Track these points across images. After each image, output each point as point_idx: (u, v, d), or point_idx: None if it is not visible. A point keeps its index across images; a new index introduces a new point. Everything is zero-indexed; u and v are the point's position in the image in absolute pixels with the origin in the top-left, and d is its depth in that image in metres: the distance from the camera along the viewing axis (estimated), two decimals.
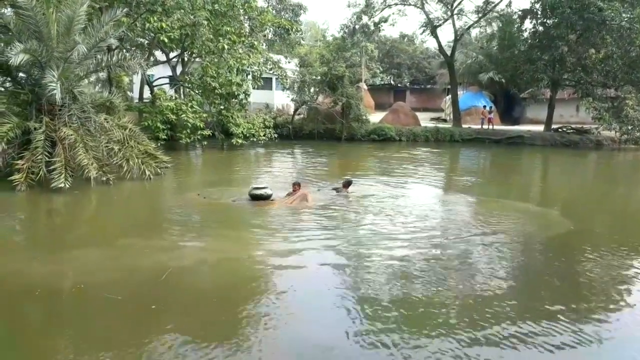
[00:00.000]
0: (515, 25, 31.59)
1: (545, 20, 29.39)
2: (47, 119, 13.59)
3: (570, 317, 6.05)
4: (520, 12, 30.86)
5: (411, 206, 12.14)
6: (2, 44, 13.77)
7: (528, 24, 30.92)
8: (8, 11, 14.31)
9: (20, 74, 14.89)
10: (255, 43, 24.72)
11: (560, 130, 31.10)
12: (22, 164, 12.65)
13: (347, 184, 12.99)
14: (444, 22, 33.18)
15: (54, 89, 12.72)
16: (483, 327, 5.76)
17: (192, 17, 20.14)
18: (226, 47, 21.34)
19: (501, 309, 6.26)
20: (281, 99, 34.97)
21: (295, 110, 30.36)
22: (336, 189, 13.02)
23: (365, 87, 38.80)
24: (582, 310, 6.38)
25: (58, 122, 13.61)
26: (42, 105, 13.79)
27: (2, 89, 15.96)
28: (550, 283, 7.45)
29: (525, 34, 31.39)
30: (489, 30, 37.22)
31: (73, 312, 6.34)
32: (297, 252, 8.41)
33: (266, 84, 32.18)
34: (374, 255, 8.32)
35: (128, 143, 14.61)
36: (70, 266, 7.70)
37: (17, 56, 12.41)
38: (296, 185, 12.33)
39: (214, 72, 21.51)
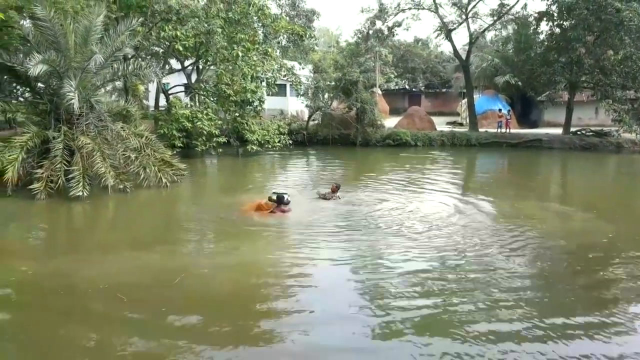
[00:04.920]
0: (531, 28, 31.27)
1: (561, 22, 29.06)
2: (65, 128, 13.78)
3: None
4: (536, 14, 30.52)
5: (435, 211, 12.00)
6: (21, 55, 13.99)
7: (544, 26, 30.63)
8: (27, 23, 14.56)
9: (39, 84, 15.13)
10: (269, 50, 24.83)
11: (579, 133, 30.64)
12: (42, 173, 12.82)
13: (337, 188, 12.95)
14: (458, 26, 32.98)
15: (72, 99, 12.89)
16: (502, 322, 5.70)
17: (206, 25, 20.30)
18: (240, 54, 21.47)
19: (521, 307, 6.16)
20: (295, 105, 35.07)
21: (310, 116, 30.39)
22: (324, 194, 12.94)
23: (379, 92, 38.70)
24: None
25: (76, 131, 13.79)
26: (60, 114, 14.00)
27: (22, 99, 16.25)
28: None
29: (542, 36, 31.07)
30: (504, 33, 36.94)
31: (86, 311, 6.47)
32: (313, 257, 8.38)
33: (280, 90, 32.29)
34: (392, 257, 8.27)
35: (144, 151, 14.74)
36: (89, 269, 7.78)
37: (36, 67, 12.61)
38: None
39: (229, 79, 21.64)
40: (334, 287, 7.17)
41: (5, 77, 15.34)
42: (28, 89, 15.77)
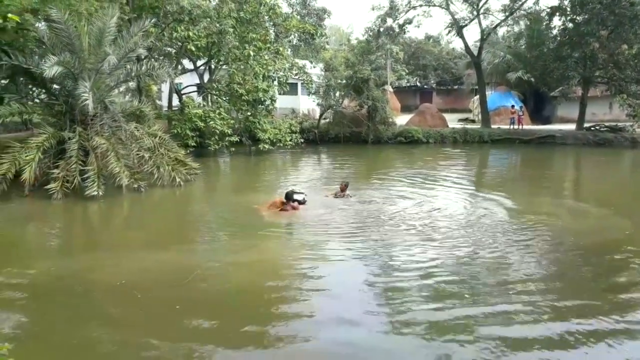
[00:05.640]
0: (544, 23, 30.99)
1: (574, 16, 28.75)
2: (80, 128, 13.95)
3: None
4: (548, 10, 30.23)
5: (447, 209, 11.98)
6: (37, 57, 14.18)
7: (557, 21, 30.34)
8: (42, 25, 14.75)
9: (55, 86, 15.33)
10: (281, 49, 24.88)
11: (593, 128, 30.31)
12: (58, 173, 13.01)
13: (345, 186, 12.92)
14: (469, 22, 32.79)
15: (87, 100, 13.05)
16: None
17: (218, 25, 20.41)
18: (252, 53, 21.56)
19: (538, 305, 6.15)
20: (307, 104, 35.09)
21: (321, 114, 30.40)
22: (334, 194, 12.93)
23: (390, 89, 38.59)
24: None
25: (91, 132, 13.96)
26: (75, 115, 14.17)
27: (38, 101, 16.48)
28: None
29: (554, 32, 30.76)
30: (516, 29, 36.56)
31: (102, 309, 6.58)
32: (325, 256, 8.43)
33: (292, 89, 32.35)
34: (404, 255, 8.29)
35: (158, 150, 14.88)
36: (105, 267, 7.91)
37: (51, 68, 12.80)
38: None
39: (241, 78, 21.74)
40: (347, 287, 7.14)
41: (22, 79, 15.56)
42: (44, 91, 15.99)
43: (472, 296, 6.69)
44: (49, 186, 12.77)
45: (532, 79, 36.08)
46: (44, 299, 6.91)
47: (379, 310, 6.26)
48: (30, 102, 16.02)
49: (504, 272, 7.61)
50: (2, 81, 15.45)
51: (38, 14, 14.05)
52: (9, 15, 3.61)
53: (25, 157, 12.88)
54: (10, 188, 12.70)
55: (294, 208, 11.30)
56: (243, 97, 21.78)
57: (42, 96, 16.47)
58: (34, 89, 16.55)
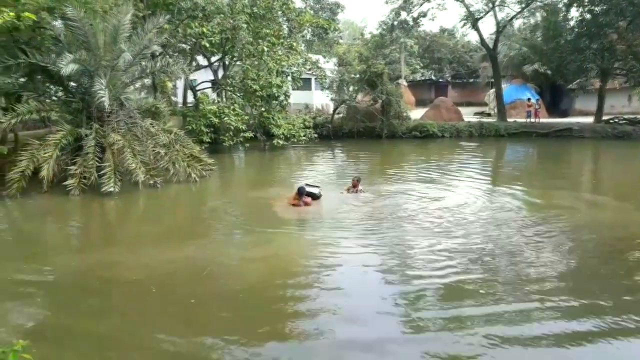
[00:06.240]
0: (561, 14, 30.50)
1: (592, 7, 28.21)
2: (96, 125, 14.11)
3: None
4: (566, 1, 29.73)
5: (463, 203, 11.87)
6: (53, 55, 14.35)
7: (574, 12, 29.84)
8: (58, 23, 14.91)
9: (71, 83, 15.50)
10: (294, 44, 24.87)
11: (611, 121, 29.82)
12: (75, 170, 13.18)
13: (357, 181, 12.82)
14: (485, 14, 32.37)
15: (103, 97, 13.18)
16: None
17: (231, 21, 20.44)
18: (266, 49, 21.57)
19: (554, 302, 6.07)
20: (320, 99, 35.05)
21: (335, 109, 30.33)
22: (347, 189, 12.87)
23: (405, 83, 38.37)
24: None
25: (107, 128, 14.11)
26: (92, 112, 14.34)
27: (55, 98, 16.67)
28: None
29: (572, 23, 30.27)
30: (532, 21, 36.05)
31: (119, 304, 6.68)
32: (340, 251, 8.41)
33: (305, 84, 32.31)
34: (420, 250, 8.25)
35: (173, 147, 14.98)
36: (122, 263, 8.01)
37: (67, 66, 12.96)
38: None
39: (255, 74, 21.78)
40: (360, 286, 7.08)
41: (39, 77, 15.77)
42: (61, 88, 16.19)
43: (489, 295, 6.54)
44: (66, 182, 12.95)
45: (549, 72, 35.58)
46: (62, 293, 7.04)
47: (393, 311, 6.17)
48: (47, 100, 16.21)
49: (521, 269, 7.48)
50: (20, 79, 15.66)
51: (54, 12, 14.20)
52: (25, 13, 3.62)
53: (44, 154, 13.07)
54: (29, 185, 12.90)
55: (306, 203, 11.31)
56: (257, 93, 21.83)
57: (60, 94, 16.67)
58: (51, 86, 16.75)
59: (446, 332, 5.57)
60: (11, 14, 3.11)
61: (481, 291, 6.64)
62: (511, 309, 6.11)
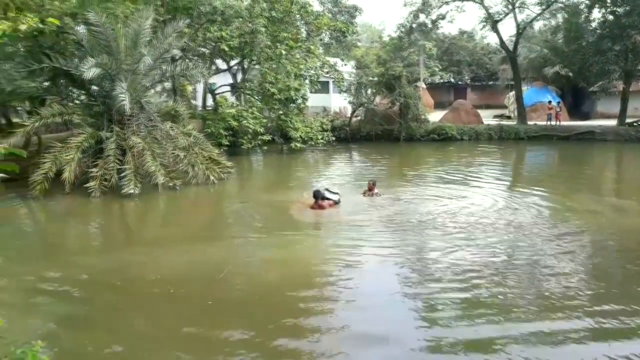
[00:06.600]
0: (583, 16, 29.99)
1: (615, 8, 27.73)
2: (117, 128, 14.31)
3: None
4: (587, 2, 29.26)
5: (483, 207, 11.77)
6: (76, 60, 14.63)
7: (596, 14, 29.30)
8: (81, 28, 15.19)
9: (93, 87, 15.76)
10: (312, 47, 24.92)
11: (635, 124, 29.19)
12: (96, 172, 13.38)
13: (373, 184, 12.73)
14: (505, 16, 32.01)
15: (124, 100, 13.37)
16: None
17: (250, 24, 20.59)
18: (284, 52, 21.67)
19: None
20: (338, 102, 35.02)
21: (353, 112, 30.28)
22: (363, 192, 12.80)
23: (423, 86, 38.10)
24: None
25: (127, 131, 14.31)
26: (112, 115, 14.55)
27: (78, 102, 16.99)
28: None
29: (594, 24, 29.74)
30: (553, 22, 35.54)
31: (138, 304, 6.81)
32: (357, 258, 8.32)
33: (323, 87, 32.30)
34: (437, 255, 8.18)
35: (193, 149, 15.12)
36: (142, 263, 8.13)
37: (89, 70, 13.20)
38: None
39: (273, 78, 21.89)
40: (377, 296, 6.86)
41: (62, 80, 16.10)
42: (83, 92, 16.49)
43: (510, 307, 6.30)
44: (87, 184, 13.16)
45: (570, 74, 35.01)
46: (84, 291, 7.17)
47: (411, 323, 5.98)
48: (70, 103, 16.53)
49: (544, 278, 7.26)
50: (44, 83, 15.99)
51: (77, 18, 14.47)
52: (49, 19, 3.70)
53: (66, 156, 13.30)
54: (52, 186, 13.13)
55: (321, 207, 11.31)
56: (275, 96, 21.92)
57: (82, 97, 16.98)
58: (74, 90, 17.09)
59: (465, 352, 5.33)
60: (35, 19, 3.17)
61: (503, 303, 6.44)
62: (534, 325, 5.84)
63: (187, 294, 6.96)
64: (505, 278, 7.27)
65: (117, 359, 5.33)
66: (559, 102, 34.54)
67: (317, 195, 11.41)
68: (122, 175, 13.36)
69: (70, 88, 16.85)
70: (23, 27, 3.14)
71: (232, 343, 5.51)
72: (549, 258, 8.11)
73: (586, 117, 37.13)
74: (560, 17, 33.62)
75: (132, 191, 13.01)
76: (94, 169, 13.48)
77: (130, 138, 13.99)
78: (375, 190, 12.65)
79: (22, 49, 15.42)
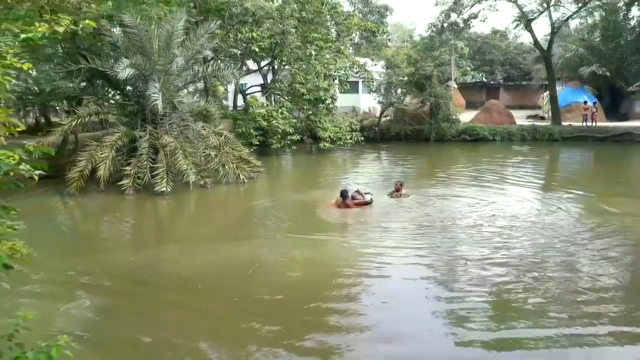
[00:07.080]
0: (621, 14, 29.16)
1: None
2: (150, 127, 14.62)
3: None
4: None
5: (515, 209, 11.55)
6: (112, 61, 15.01)
7: (635, 11, 28.45)
8: (117, 30, 15.57)
9: (128, 87, 16.15)
10: (342, 48, 24.90)
11: None
12: (130, 170, 13.70)
13: (400, 185, 12.55)
14: (539, 15, 31.31)
15: (157, 100, 13.65)
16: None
17: (281, 25, 20.73)
18: (314, 53, 21.73)
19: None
20: (368, 102, 34.90)
21: (382, 112, 30.11)
22: (390, 193, 12.67)
23: (455, 85, 37.63)
24: None
25: (160, 131, 14.60)
26: (146, 115, 14.87)
27: (113, 102, 17.44)
28: None
29: (632, 22, 28.91)
30: (590, 21, 34.68)
31: (168, 299, 6.93)
32: (385, 260, 8.27)
33: (352, 87, 32.26)
34: (468, 259, 8.08)
35: (223, 149, 15.32)
36: (173, 260, 8.30)
37: (124, 71, 13.52)
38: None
39: (302, 78, 21.98)
40: (406, 296, 6.87)
41: (99, 81, 16.57)
42: (118, 92, 16.91)
43: (542, 312, 6.14)
44: (121, 182, 13.47)
45: (608, 74, 34.03)
46: (118, 286, 7.38)
47: (439, 329, 5.88)
48: (105, 103, 16.97)
49: (578, 284, 7.02)
50: (81, 84, 16.47)
51: (113, 20, 14.85)
52: (86, 21, 3.80)
53: (101, 154, 13.67)
54: (87, 184, 13.50)
55: (347, 206, 11.30)
56: (304, 97, 22.01)
57: (117, 97, 17.41)
58: (109, 90, 17.54)
59: (495, 349, 5.27)
60: (71, 19, 3.27)
61: (535, 308, 6.29)
62: (567, 332, 5.68)
63: (215, 290, 7.11)
64: (538, 282, 7.10)
65: (145, 348, 5.54)
66: (595, 103, 33.58)
67: (344, 195, 11.42)
68: (154, 173, 13.64)
69: (106, 88, 17.32)
70: (60, 29, 3.22)
71: (259, 338, 5.58)
72: (585, 262, 7.92)
73: (624, 118, 35.97)
74: (597, 15, 32.75)
75: (164, 189, 13.26)
76: (128, 167, 13.80)
77: (162, 137, 14.27)
78: (403, 191, 12.51)
79: (60, 51, 15.94)
